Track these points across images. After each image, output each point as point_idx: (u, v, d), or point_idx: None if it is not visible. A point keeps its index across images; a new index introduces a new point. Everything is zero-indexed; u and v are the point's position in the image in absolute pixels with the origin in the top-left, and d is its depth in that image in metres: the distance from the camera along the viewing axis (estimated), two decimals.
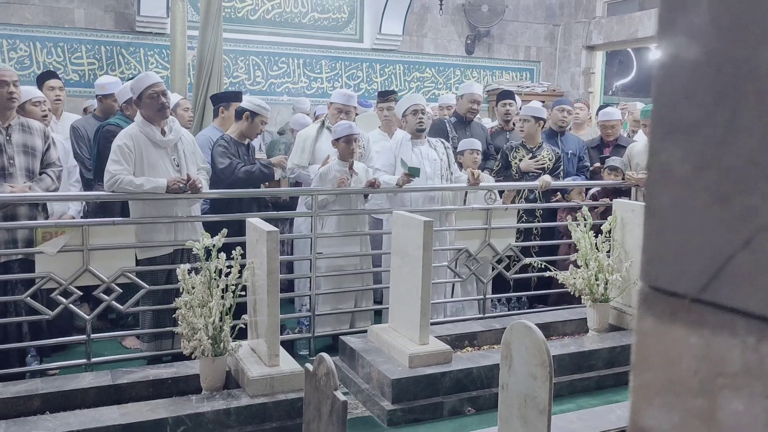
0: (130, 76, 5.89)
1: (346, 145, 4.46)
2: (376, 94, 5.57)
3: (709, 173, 0.50)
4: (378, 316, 4.80)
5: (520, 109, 6.14)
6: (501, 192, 5.24)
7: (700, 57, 0.50)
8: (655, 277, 0.53)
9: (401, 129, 5.57)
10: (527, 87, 9.26)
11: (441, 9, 8.77)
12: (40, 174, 3.92)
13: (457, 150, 5.14)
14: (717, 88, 0.49)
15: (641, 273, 0.55)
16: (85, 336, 3.86)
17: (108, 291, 3.85)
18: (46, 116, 4.46)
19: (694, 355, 0.48)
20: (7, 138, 3.77)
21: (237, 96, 5.05)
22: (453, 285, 4.99)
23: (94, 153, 4.60)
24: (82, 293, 3.83)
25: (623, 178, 5.27)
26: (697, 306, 0.49)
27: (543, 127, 5.40)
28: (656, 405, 0.50)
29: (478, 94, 5.60)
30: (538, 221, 5.30)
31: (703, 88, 0.50)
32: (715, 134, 0.49)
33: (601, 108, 6.45)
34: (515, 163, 5.26)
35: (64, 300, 3.73)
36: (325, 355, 2.31)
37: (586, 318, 4.55)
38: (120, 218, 4.11)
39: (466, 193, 5.04)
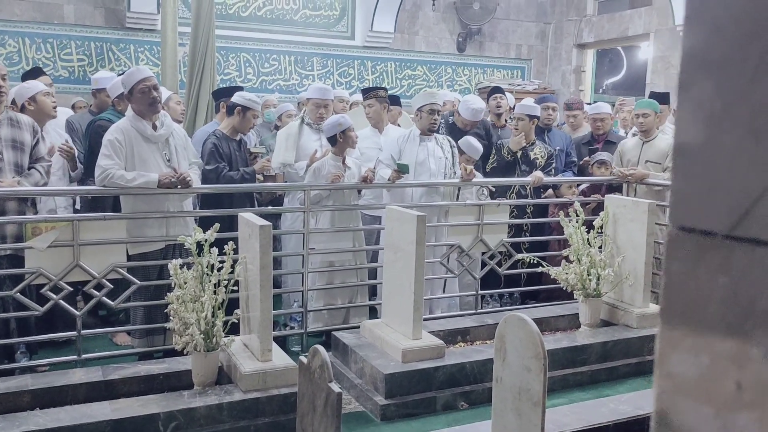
0: (120, 72, 5.86)
1: (346, 137, 4.45)
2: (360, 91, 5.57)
3: (741, 109, 0.49)
4: (373, 313, 4.78)
5: (513, 107, 6.14)
6: (494, 189, 5.24)
7: None
8: (683, 217, 0.52)
9: (393, 123, 5.56)
10: (518, 85, 9.28)
11: (434, 5, 8.77)
12: (29, 169, 3.88)
13: (458, 145, 5.09)
14: (749, 22, 0.47)
15: (669, 215, 0.54)
16: (75, 332, 3.83)
17: (99, 287, 3.82)
18: (55, 107, 4.46)
19: (724, 295, 0.47)
20: None
21: (235, 91, 5.02)
22: (445, 280, 4.99)
23: (85, 148, 4.57)
24: (72, 289, 3.79)
25: (612, 173, 5.32)
26: (728, 243, 0.48)
27: (536, 124, 5.41)
28: (684, 349, 0.49)
29: (477, 120, 5.56)
30: (529, 217, 5.31)
31: (735, 22, 0.48)
32: (746, 70, 0.48)
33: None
34: (508, 157, 5.27)
35: (54, 296, 3.69)
36: (319, 347, 2.30)
37: (577, 313, 4.56)
38: (111, 213, 4.07)
39: (459, 189, 5.04)
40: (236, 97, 4.54)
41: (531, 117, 5.30)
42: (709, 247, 0.49)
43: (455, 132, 5.53)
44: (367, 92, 5.37)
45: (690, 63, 0.52)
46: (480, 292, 4.98)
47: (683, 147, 0.52)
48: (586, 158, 5.67)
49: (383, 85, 8.50)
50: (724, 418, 0.47)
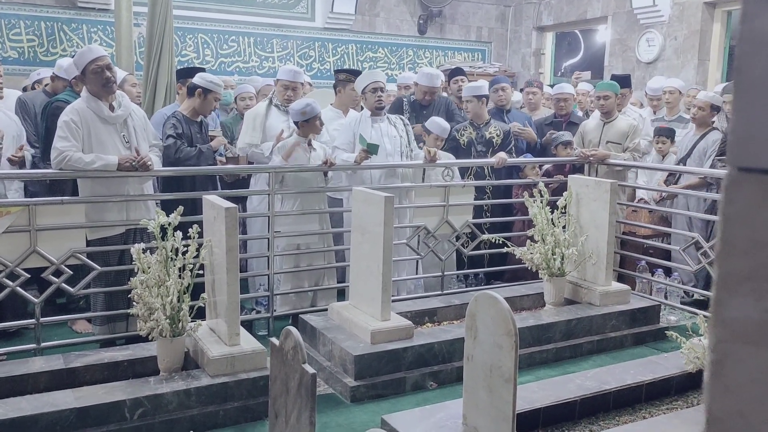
0: (72, 54, 5.66)
1: (313, 123, 4.42)
2: (343, 71, 5.44)
3: None
4: (341, 295, 4.76)
5: None
6: (461, 170, 5.25)
7: None
8: (745, 158, 0.50)
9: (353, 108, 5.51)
10: (479, 68, 9.30)
11: None
12: None
13: (425, 126, 5.07)
14: None
15: (728, 156, 0.52)
16: (33, 320, 3.71)
17: (57, 273, 3.71)
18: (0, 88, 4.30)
19: None
20: None
21: (198, 72, 4.89)
22: (417, 262, 5.00)
23: (42, 130, 4.43)
24: (29, 275, 3.67)
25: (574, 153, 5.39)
26: None
27: (486, 104, 5.42)
28: (744, 293, 0.48)
29: (435, 86, 5.58)
30: (488, 197, 5.34)
31: None
32: None
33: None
34: (463, 141, 5.30)
35: (11, 283, 3.57)
36: (292, 328, 2.27)
37: (542, 293, 4.62)
38: (69, 197, 3.94)
39: (424, 171, 5.04)
40: (197, 79, 4.44)
41: (479, 97, 5.32)
42: None
43: (418, 109, 5.54)
44: (357, 74, 5.26)
45: None
46: (446, 273, 5.00)
47: (745, 83, 0.50)
48: (552, 131, 5.71)
49: (344, 68, 8.45)
50: None
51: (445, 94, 6.06)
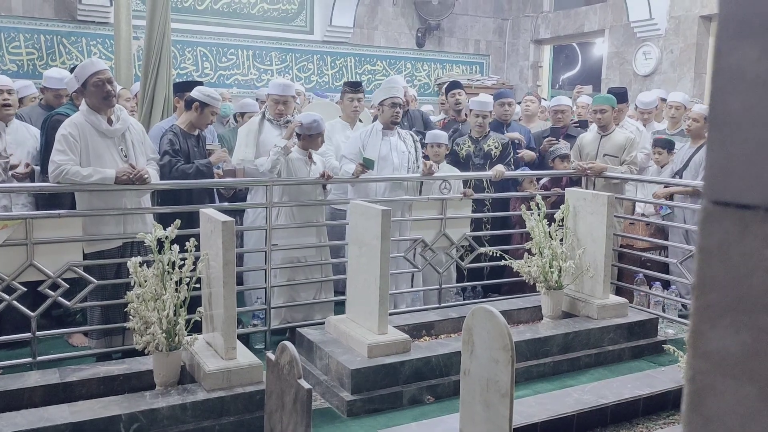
0: (72, 66, 5.69)
1: (314, 139, 4.45)
2: (344, 83, 5.53)
3: None
4: (339, 307, 4.75)
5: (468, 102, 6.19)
6: (465, 183, 5.29)
7: None
8: (721, 192, 0.50)
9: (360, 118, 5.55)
10: (477, 80, 9.34)
11: (394, 0, 8.78)
12: None
13: (425, 142, 5.18)
14: None
15: (704, 190, 0.52)
16: (30, 334, 3.70)
17: (54, 287, 3.70)
18: (8, 105, 4.32)
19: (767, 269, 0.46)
20: None
21: (196, 86, 4.91)
22: (414, 275, 5.00)
23: (41, 143, 4.44)
24: (26, 289, 3.66)
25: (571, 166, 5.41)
26: None
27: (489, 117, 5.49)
28: (723, 326, 0.48)
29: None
30: (488, 210, 5.35)
31: None
32: None
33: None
34: (462, 155, 5.33)
35: (7, 296, 3.56)
36: (288, 343, 2.27)
37: (539, 306, 4.62)
38: (66, 210, 3.94)
39: (422, 184, 5.05)
40: (194, 92, 4.45)
41: (491, 112, 5.41)
42: (751, 220, 0.48)
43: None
44: (357, 86, 5.33)
45: (729, 29, 0.50)
46: (443, 286, 5.00)
47: (721, 117, 0.51)
48: (549, 138, 5.72)
49: (342, 81, 8.50)
50: None
51: (419, 108, 6.17)
